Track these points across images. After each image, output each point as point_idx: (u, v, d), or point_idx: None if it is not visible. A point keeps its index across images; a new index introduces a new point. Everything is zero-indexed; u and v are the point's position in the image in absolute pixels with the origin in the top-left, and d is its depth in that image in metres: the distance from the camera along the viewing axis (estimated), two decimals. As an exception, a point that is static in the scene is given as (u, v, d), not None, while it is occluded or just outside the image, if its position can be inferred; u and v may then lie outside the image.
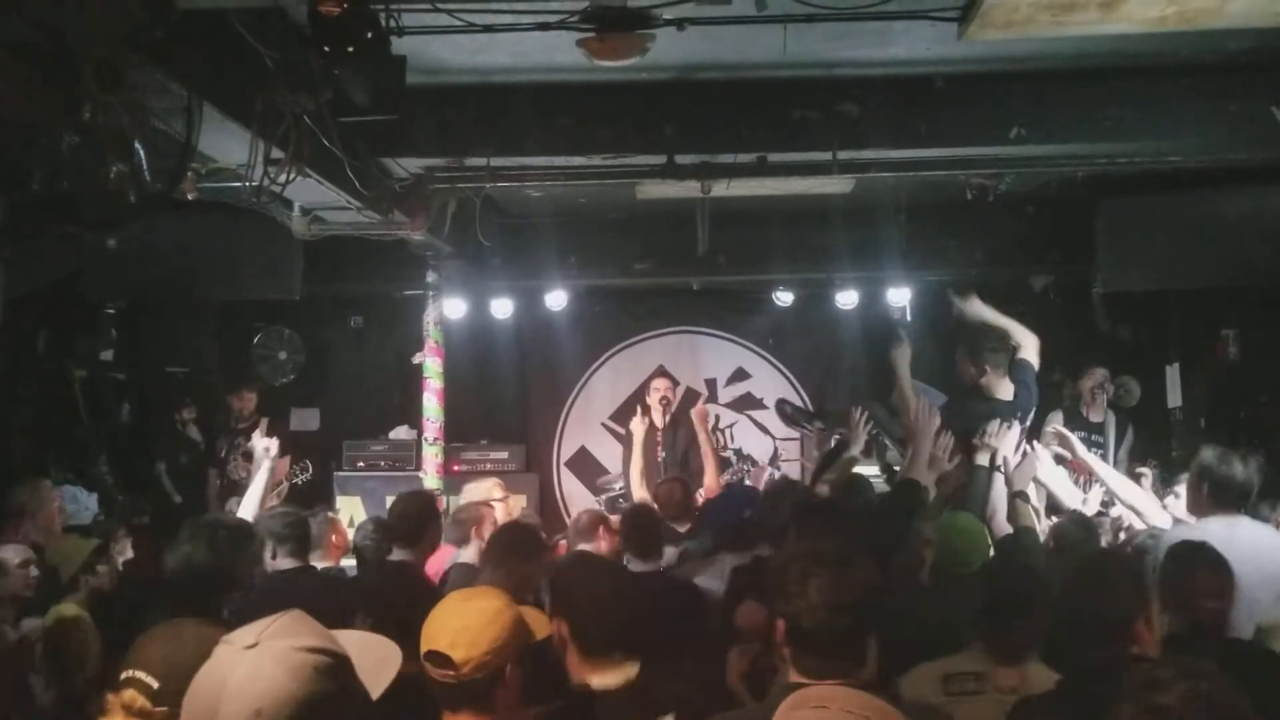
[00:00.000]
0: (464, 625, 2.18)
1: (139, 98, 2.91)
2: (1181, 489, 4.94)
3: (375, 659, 1.64)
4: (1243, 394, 7.26)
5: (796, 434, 8.17)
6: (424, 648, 2.18)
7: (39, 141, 3.01)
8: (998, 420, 4.74)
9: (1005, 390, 5.03)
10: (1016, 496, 4.46)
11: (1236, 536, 3.80)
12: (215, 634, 2.03)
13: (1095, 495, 5.27)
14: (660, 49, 4.12)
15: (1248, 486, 3.98)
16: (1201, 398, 7.35)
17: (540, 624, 2.43)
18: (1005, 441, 4.70)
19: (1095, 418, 6.94)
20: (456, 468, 8.19)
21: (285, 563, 4.38)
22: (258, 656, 1.48)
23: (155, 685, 1.84)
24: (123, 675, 1.91)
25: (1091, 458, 5.22)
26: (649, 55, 4.11)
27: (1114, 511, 5.02)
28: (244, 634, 1.52)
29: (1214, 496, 3.96)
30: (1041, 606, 3.01)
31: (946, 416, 4.62)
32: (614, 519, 4.84)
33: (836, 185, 6.10)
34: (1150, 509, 4.67)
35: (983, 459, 4.64)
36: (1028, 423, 5.08)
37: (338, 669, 1.52)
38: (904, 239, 7.29)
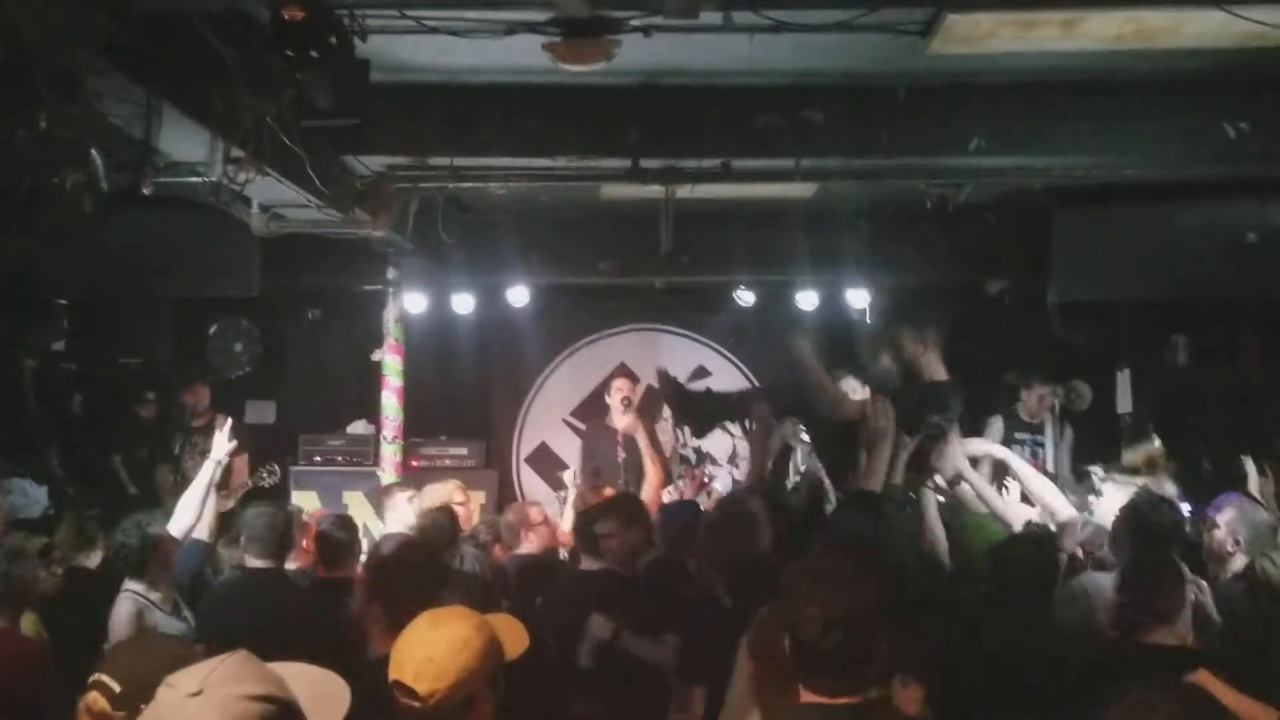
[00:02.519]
0: (429, 656, 2.12)
1: (97, 103, 2.85)
2: (1108, 489, 4.98)
3: (323, 698, 1.62)
4: (1191, 400, 7.40)
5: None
6: (391, 674, 2.14)
7: (-6, 145, 2.94)
8: (945, 436, 4.68)
9: (940, 372, 5.01)
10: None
11: None
12: (179, 647, 2.10)
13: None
14: (626, 54, 4.11)
15: (1173, 536, 3.96)
16: (1151, 403, 7.48)
17: (515, 638, 2.37)
18: (952, 459, 4.64)
19: (1035, 418, 7.04)
20: (415, 463, 8.14)
21: (256, 562, 4.33)
22: (202, 705, 1.44)
23: (117, 689, 1.91)
24: (90, 679, 1.98)
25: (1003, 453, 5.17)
26: (615, 60, 4.09)
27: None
28: (188, 678, 1.48)
29: (1136, 539, 3.92)
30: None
31: (900, 401, 4.64)
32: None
33: (799, 190, 6.14)
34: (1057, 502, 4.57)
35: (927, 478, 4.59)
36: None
37: (283, 718, 1.49)
38: (865, 243, 7.34)
